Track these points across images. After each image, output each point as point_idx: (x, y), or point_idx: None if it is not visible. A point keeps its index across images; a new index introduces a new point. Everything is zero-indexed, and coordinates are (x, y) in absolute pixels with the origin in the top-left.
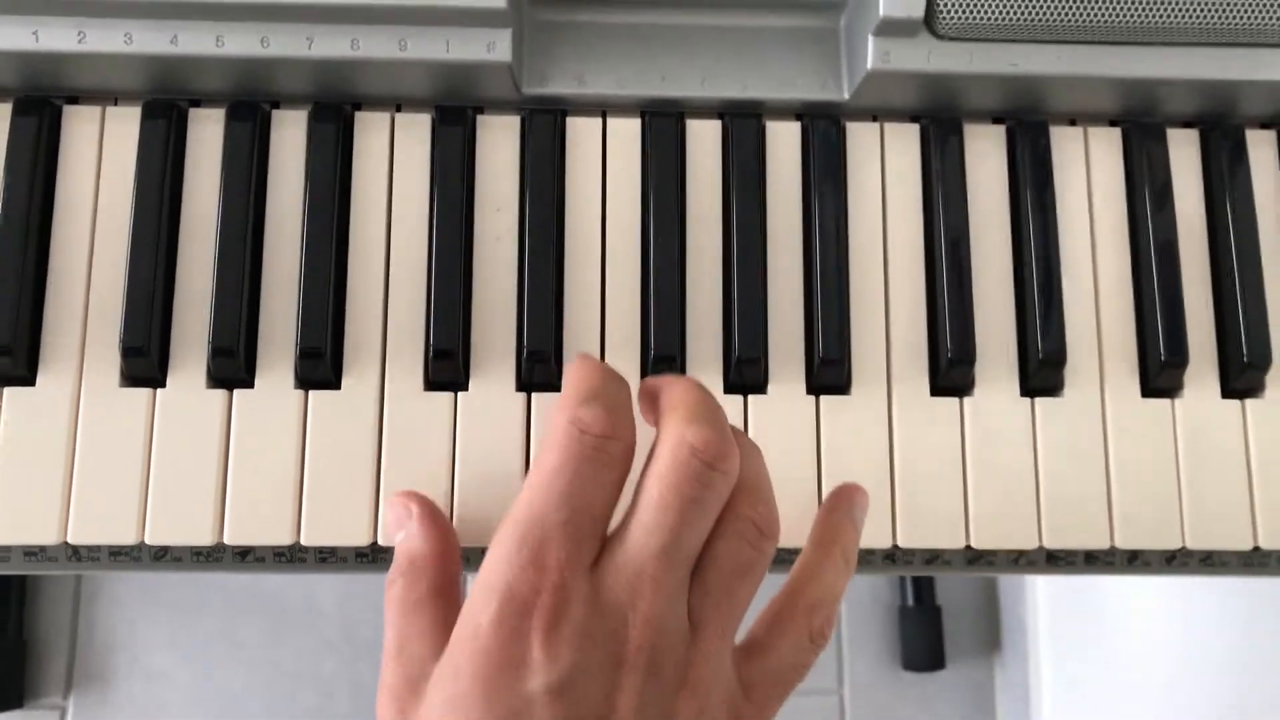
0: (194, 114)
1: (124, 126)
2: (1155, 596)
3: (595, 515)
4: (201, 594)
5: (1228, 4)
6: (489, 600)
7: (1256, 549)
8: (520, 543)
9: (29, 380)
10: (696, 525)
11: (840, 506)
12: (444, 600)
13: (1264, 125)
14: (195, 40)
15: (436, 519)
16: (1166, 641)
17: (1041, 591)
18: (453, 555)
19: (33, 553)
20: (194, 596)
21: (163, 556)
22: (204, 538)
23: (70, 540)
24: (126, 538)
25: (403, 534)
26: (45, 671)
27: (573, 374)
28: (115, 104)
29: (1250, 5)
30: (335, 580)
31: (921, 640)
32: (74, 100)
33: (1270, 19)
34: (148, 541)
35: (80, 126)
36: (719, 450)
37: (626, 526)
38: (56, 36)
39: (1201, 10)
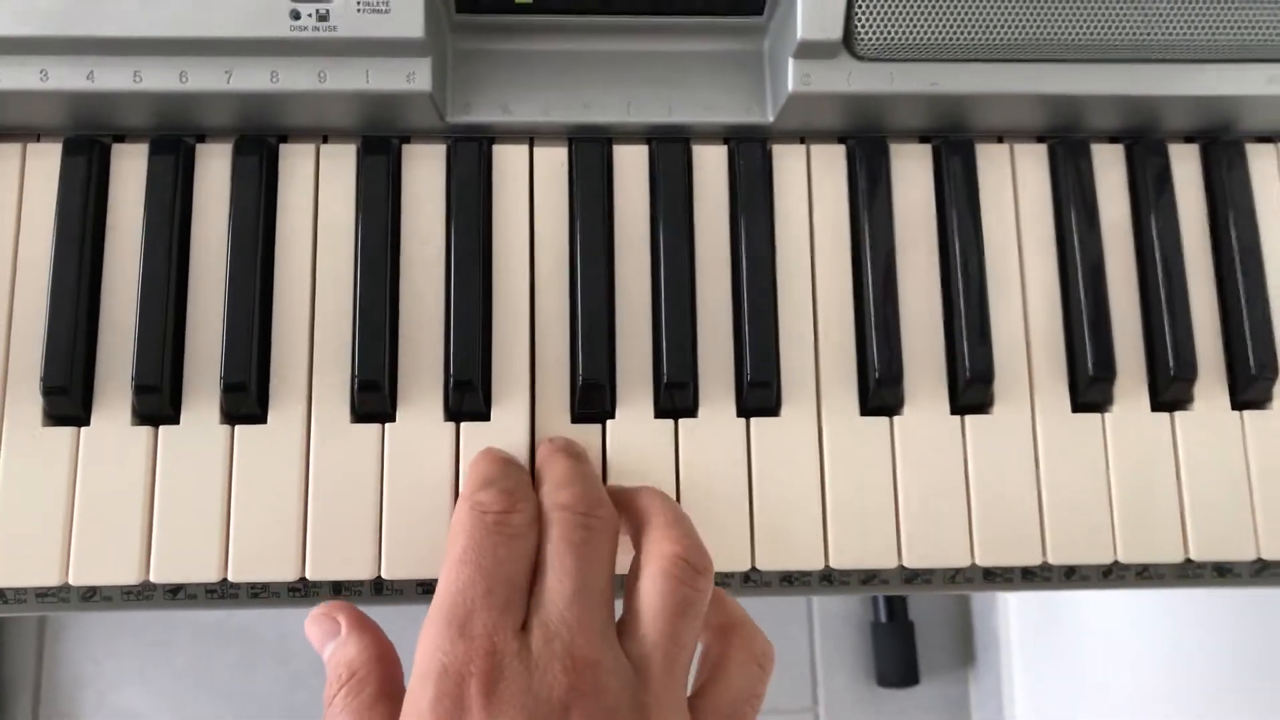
0: (116, 149)
1: (46, 163)
2: (1127, 610)
3: (513, 582)
4: (171, 629)
5: (1143, 21)
6: (425, 684)
7: (1189, 561)
8: (446, 623)
9: None
10: (594, 562)
11: None
12: (390, 704)
13: (1187, 139)
14: (112, 76)
15: (368, 626)
16: (1138, 655)
17: (1014, 606)
18: (392, 658)
19: None
20: (163, 631)
21: (91, 596)
22: (129, 577)
23: None
24: (50, 579)
25: (332, 645)
26: (11, 710)
27: (471, 466)
28: (38, 140)
29: (1166, 22)
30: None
31: (895, 656)
32: None
33: (1188, 35)
34: (71, 582)
35: (1, 164)
36: (585, 498)
37: (539, 589)
38: None
39: (1118, 27)
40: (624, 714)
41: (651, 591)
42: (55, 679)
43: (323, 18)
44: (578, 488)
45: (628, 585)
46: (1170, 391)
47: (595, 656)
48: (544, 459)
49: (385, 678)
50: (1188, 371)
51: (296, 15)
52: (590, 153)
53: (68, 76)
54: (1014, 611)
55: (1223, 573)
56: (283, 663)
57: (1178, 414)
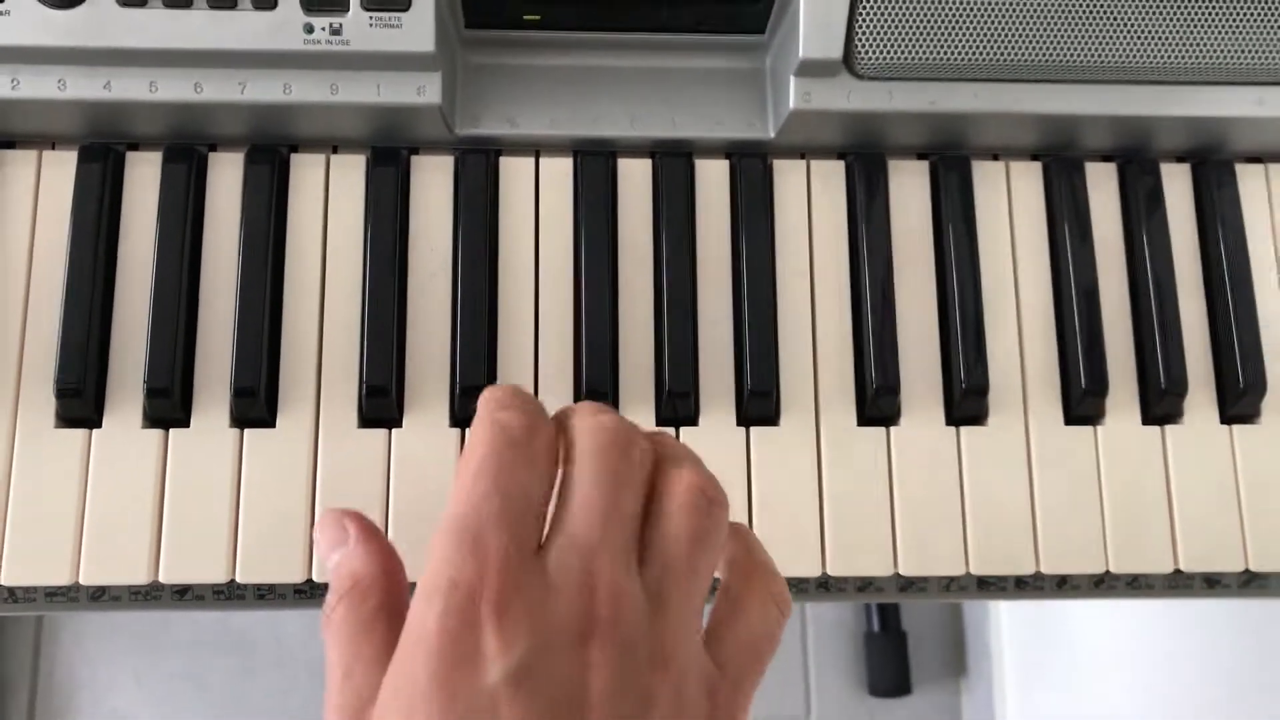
0: (130, 157)
1: (61, 170)
2: (1118, 621)
3: (530, 500)
4: (167, 632)
5: (1139, 43)
6: (432, 599)
7: (1178, 571)
8: (457, 538)
9: None
10: (628, 488)
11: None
12: (393, 621)
13: (1179, 159)
14: (129, 86)
15: (377, 536)
16: (1129, 665)
17: (1006, 616)
18: (399, 573)
19: None
20: (160, 635)
21: (100, 596)
22: (139, 577)
23: (4, 582)
24: (61, 578)
25: (338, 555)
26: (6, 712)
27: (485, 395)
28: (53, 148)
29: (1158, 45)
30: (302, 617)
31: (888, 666)
32: (10, 145)
33: (1180, 58)
34: (82, 582)
35: (17, 170)
36: (625, 425)
37: (562, 510)
38: None
39: (1114, 49)
40: (641, 643)
41: (670, 522)
42: (51, 681)
43: (336, 31)
44: (613, 416)
45: (645, 517)
46: (1161, 406)
47: (617, 583)
48: (568, 408)
49: (390, 592)
50: (1178, 386)
51: (310, 29)
52: (595, 165)
53: (85, 86)
54: (1006, 622)
55: (1212, 584)
56: (278, 667)
57: (1168, 428)
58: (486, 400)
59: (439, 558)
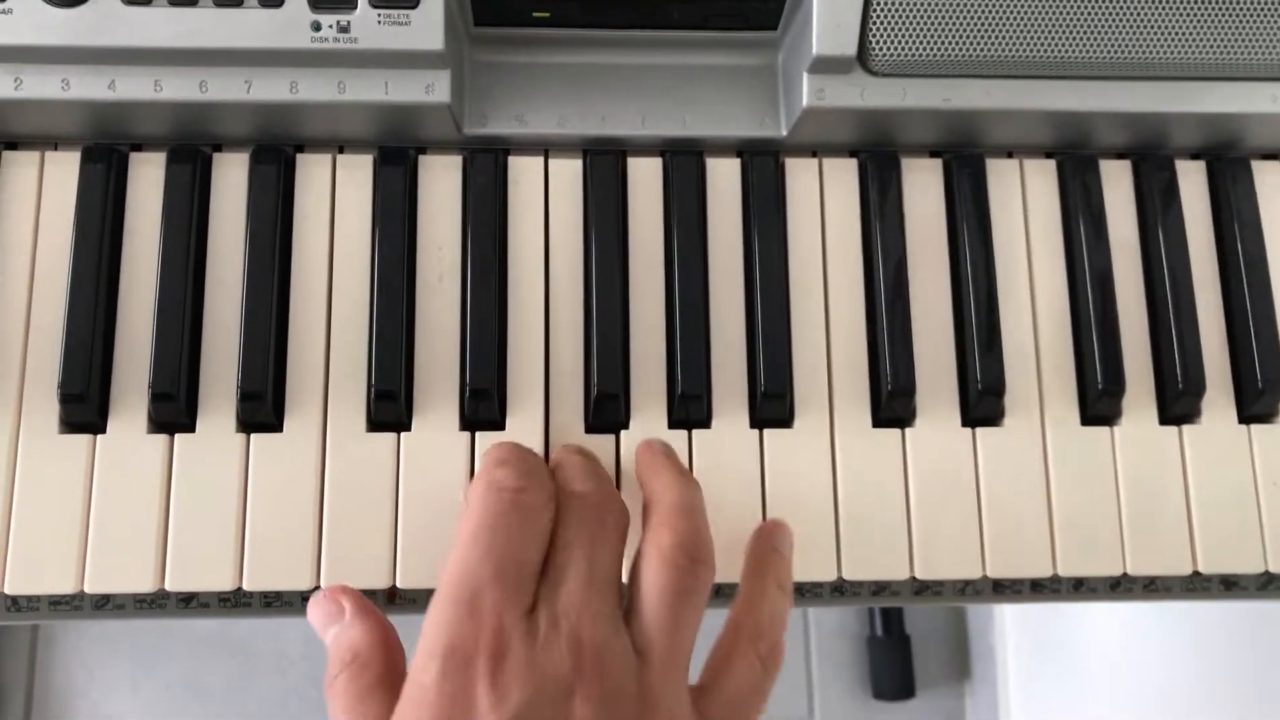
0: (134, 158)
1: (64, 171)
2: (1123, 624)
3: (524, 563)
4: (164, 640)
5: (1154, 39)
6: (430, 660)
7: (1196, 573)
8: (454, 602)
9: None
10: (606, 551)
11: (765, 540)
12: (391, 689)
13: (1194, 156)
14: (133, 85)
15: (371, 611)
16: (1134, 669)
17: (1010, 620)
18: (395, 644)
19: None
20: (157, 642)
21: (105, 605)
22: (144, 585)
23: (7, 591)
24: (65, 587)
25: (336, 629)
26: (4, 717)
27: (487, 452)
28: (55, 149)
29: (1174, 41)
30: (303, 624)
31: (891, 670)
32: (13, 145)
33: (1195, 54)
34: (87, 590)
35: (19, 171)
36: (601, 491)
37: (549, 573)
38: None
39: (1129, 45)
40: (627, 696)
41: (651, 579)
42: (48, 687)
43: (343, 29)
44: (593, 482)
45: (631, 571)
46: (1178, 405)
47: (600, 640)
48: (559, 456)
49: (388, 663)
50: (1196, 386)
51: (318, 27)
52: (605, 165)
53: (89, 86)
54: (1010, 626)
55: (1229, 586)
56: (278, 674)
57: (1186, 428)
58: (485, 458)
59: (438, 619)
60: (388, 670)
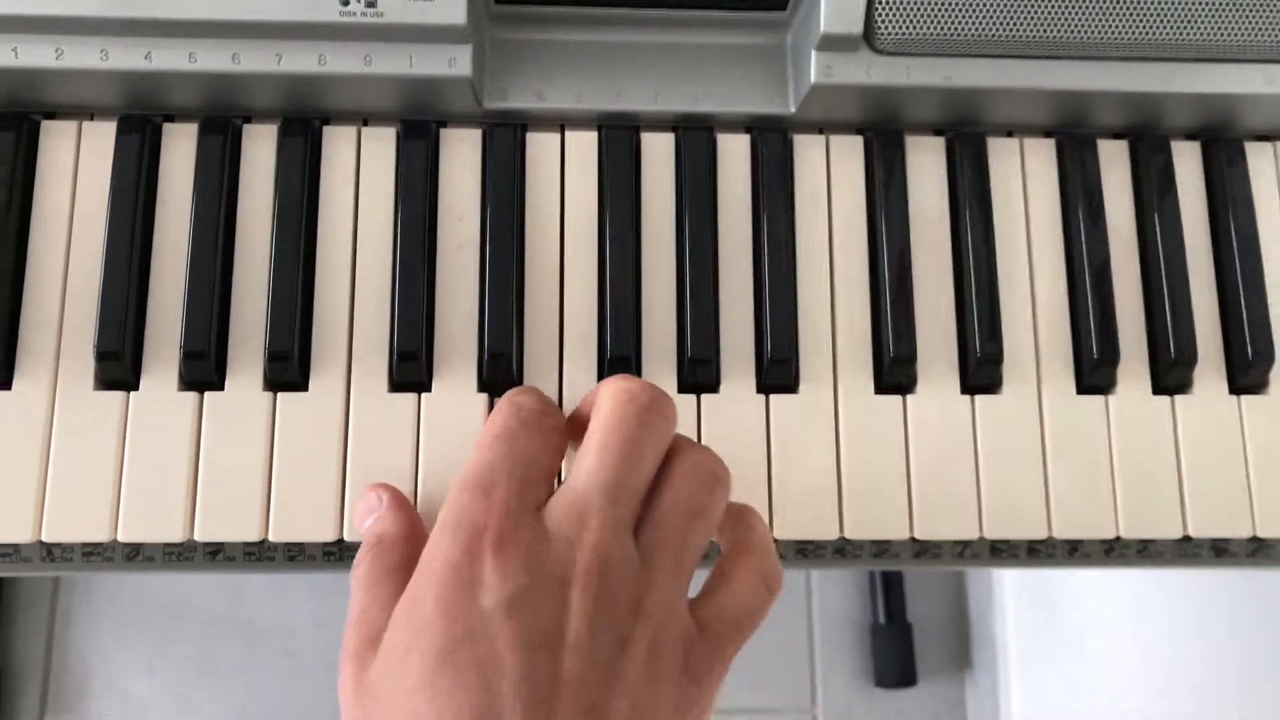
0: (168, 129)
1: (100, 141)
2: (1124, 610)
3: (539, 467)
4: (178, 620)
5: (1151, 20)
6: (443, 532)
7: (1187, 538)
8: (471, 484)
9: (5, 385)
10: (639, 465)
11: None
12: (408, 576)
13: (1189, 136)
14: (169, 56)
15: (405, 505)
16: (1136, 656)
17: (1010, 607)
18: (420, 537)
19: (6, 553)
20: (170, 622)
21: (135, 556)
22: (175, 534)
23: (44, 538)
24: (99, 535)
25: (370, 520)
26: (20, 698)
27: (505, 396)
28: (91, 119)
29: (1171, 22)
30: (311, 605)
31: (893, 657)
32: (51, 115)
33: (1190, 35)
34: (120, 539)
35: (57, 141)
36: (655, 394)
37: (574, 468)
38: (35, 53)
39: (1126, 27)
40: (621, 598)
41: (673, 492)
42: (64, 667)
43: (371, 4)
44: (646, 383)
45: (653, 481)
46: (1171, 376)
47: (606, 542)
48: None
49: (409, 554)
50: (1188, 357)
51: (346, 1)
52: (619, 140)
53: (127, 56)
54: (1011, 613)
55: (1220, 552)
56: (288, 656)
57: (1178, 398)
58: (508, 392)
59: (453, 500)
60: (408, 559)
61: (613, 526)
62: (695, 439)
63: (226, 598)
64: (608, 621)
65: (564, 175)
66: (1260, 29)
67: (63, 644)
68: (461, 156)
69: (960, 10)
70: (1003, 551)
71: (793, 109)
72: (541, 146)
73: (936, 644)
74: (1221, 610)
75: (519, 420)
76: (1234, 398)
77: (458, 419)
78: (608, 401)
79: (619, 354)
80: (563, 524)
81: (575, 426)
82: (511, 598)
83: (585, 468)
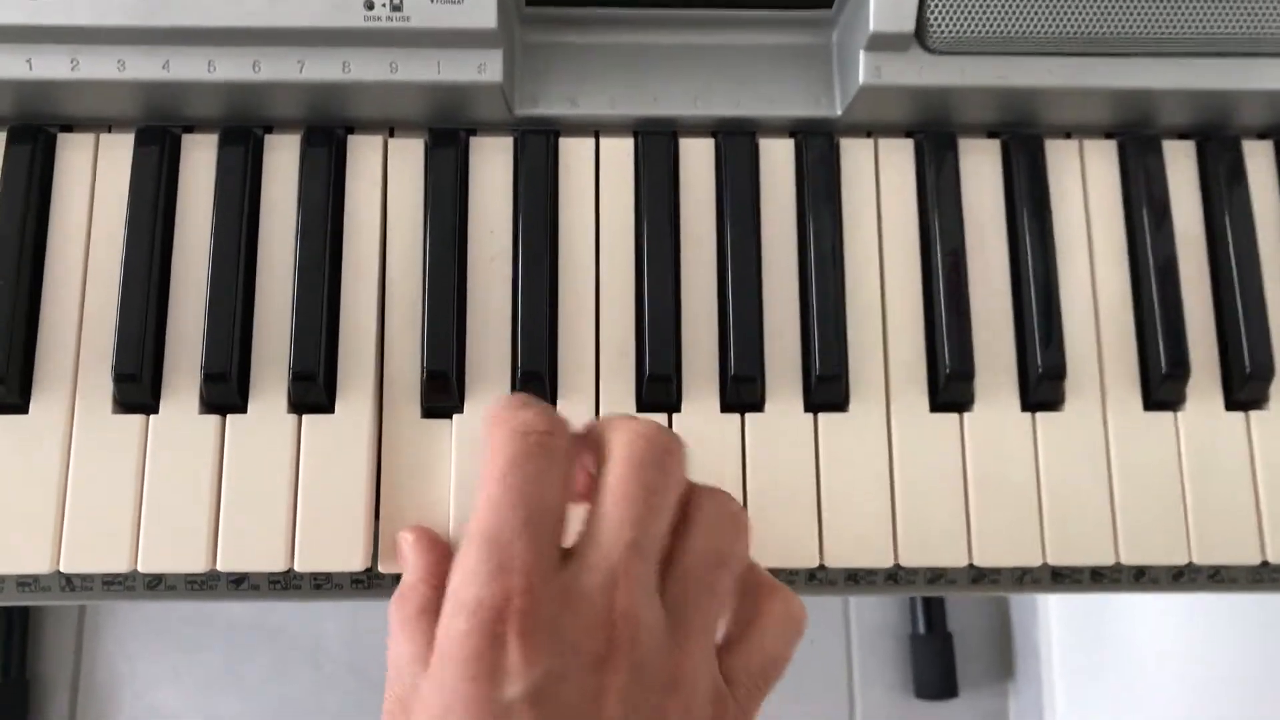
0: (187, 140)
1: (117, 153)
2: (1169, 621)
3: (552, 511)
4: (205, 630)
5: (1220, 14)
6: (459, 615)
7: (1265, 564)
8: (484, 552)
9: (22, 408)
10: (660, 514)
11: None
12: (436, 619)
13: (1261, 135)
14: (187, 66)
15: (425, 541)
16: (1181, 667)
17: (1054, 617)
18: (445, 568)
19: (26, 583)
20: (197, 632)
21: (156, 585)
22: (197, 565)
23: (63, 569)
24: (119, 566)
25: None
26: (48, 708)
27: (497, 401)
28: (109, 131)
29: (1243, 15)
30: (341, 615)
31: (934, 668)
32: (68, 128)
33: (1264, 28)
34: (140, 569)
35: (74, 154)
36: (670, 436)
37: (592, 525)
38: (50, 64)
39: (1193, 20)
40: (654, 666)
41: (696, 541)
42: (92, 677)
43: (396, 8)
44: (657, 426)
45: (673, 530)
46: (1246, 390)
47: (637, 610)
48: (615, 417)
49: (430, 593)
50: (1265, 370)
51: (370, 5)
52: (657, 145)
53: (144, 66)
54: (1055, 623)
55: None
56: (315, 667)
57: (1253, 414)
58: (499, 405)
59: (468, 570)
60: (432, 601)
61: (642, 586)
62: (739, 461)
63: (253, 606)
64: (642, 698)
65: (599, 184)
66: None
67: (91, 653)
68: (492, 166)
69: (1018, 6)
70: (1066, 577)
71: (839, 111)
72: (575, 154)
73: (978, 654)
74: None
75: (526, 452)
76: None
77: None
78: (622, 447)
79: (658, 372)
80: (590, 590)
81: (578, 454)
82: (538, 687)
83: (606, 521)
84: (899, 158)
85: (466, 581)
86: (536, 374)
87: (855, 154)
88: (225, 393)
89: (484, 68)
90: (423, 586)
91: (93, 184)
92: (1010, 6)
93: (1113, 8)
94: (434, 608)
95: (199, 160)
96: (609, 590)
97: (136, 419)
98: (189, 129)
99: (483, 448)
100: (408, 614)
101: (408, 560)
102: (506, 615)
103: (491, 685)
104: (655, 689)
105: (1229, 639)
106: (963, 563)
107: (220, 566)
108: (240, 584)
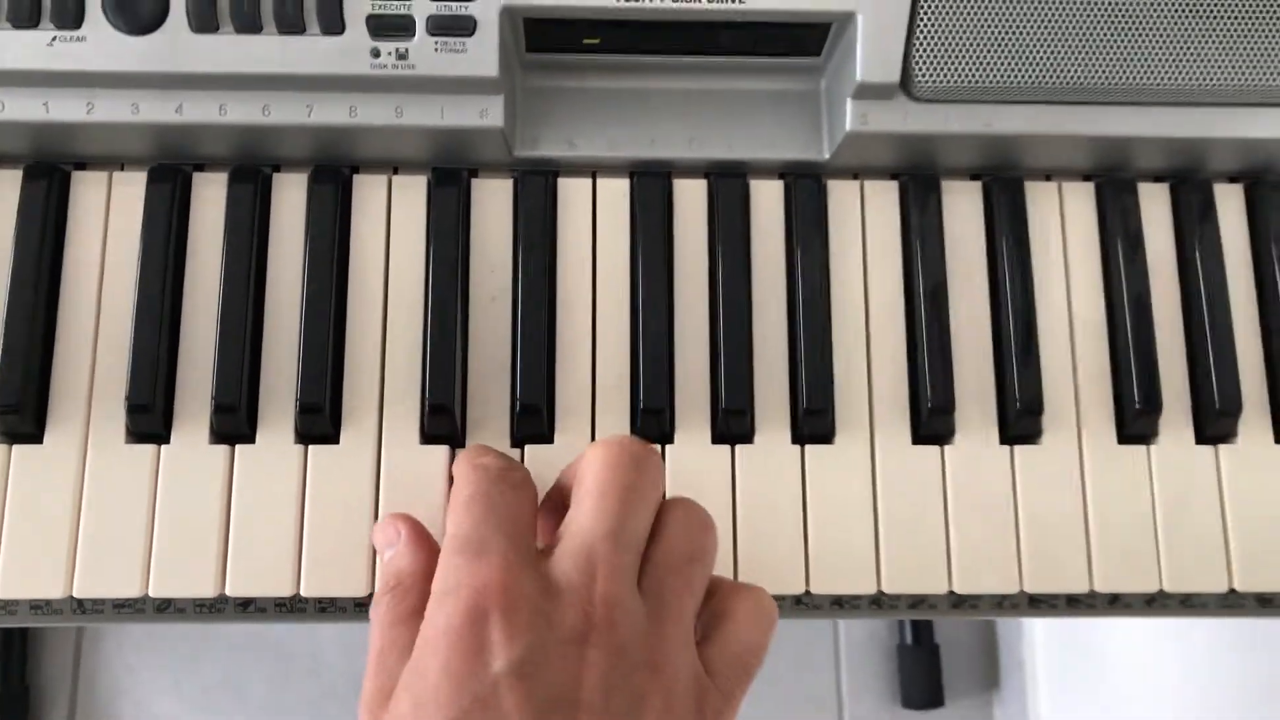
0: (198, 178)
1: (130, 191)
2: (1153, 634)
3: (523, 522)
4: (205, 641)
5: (1193, 66)
6: (443, 601)
7: (1233, 590)
8: (461, 550)
9: (37, 438)
10: (638, 510)
11: None
12: None
13: (1231, 179)
14: (199, 109)
15: (424, 539)
16: (1165, 679)
17: (1039, 630)
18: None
19: (39, 606)
20: (197, 644)
21: (166, 609)
22: (206, 590)
23: (76, 594)
24: (130, 591)
25: (390, 553)
26: (48, 716)
27: (461, 453)
28: (122, 169)
29: (1215, 68)
30: (340, 628)
31: (920, 679)
32: (82, 166)
33: (1234, 80)
34: (151, 594)
35: (88, 191)
36: (645, 446)
37: (571, 519)
38: (66, 108)
39: (1168, 72)
40: (634, 648)
41: (669, 538)
42: (91, 687)
43: (402, 56)
44: (633, 439)
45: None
46: (1215, 425)
47: (616, 594)
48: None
49: (428, 593)
50: (1233, 406)
51: (377, 53)
52: (652, 186)
53: (158, 109)
54: (1040, 635)
55: (1265, 603)
56: (314, 676)
57: (1222, 447)
58: (464, 454)
59: (448, 566)
60: (426, 600)
61: (620, 574)
62: (729, 491)
63: None
64: (623, 679)
65: (595, 223)
66: None
67: (90, 663)
68: (493, 205)
69: (1000, 57)
70: (1042, 602)
71: (827, 155)
72: (573, 194)
73: (964, 666)
74: (1259, 635)
75: (489, 479)
76: None
77: None
78: (599, 453)
79: (652, 405)
80: (570, 574)
81: (556, 496)
82: (521, 660)
83: (584, 515)
84: (884, 199)
85: (446, 574)
86: (535, 407)
87: (842, 195)
88: (234, 423)
89: (486, 113)
90: (419, 588)
91: (106, 220)
92: (992, 58)
93: (1092, 59)
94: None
95: (209, 197)
96: (588, 574)
97: (148, 448)
98: (199, 167)
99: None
100: (406, 610)
101: (405, 554)
102: (488, 594)
103: (477, 661)
104: (636, 671)
105: (1210, 652)
106: (943, 589)
107: (229, 592)
108: (247, 607)
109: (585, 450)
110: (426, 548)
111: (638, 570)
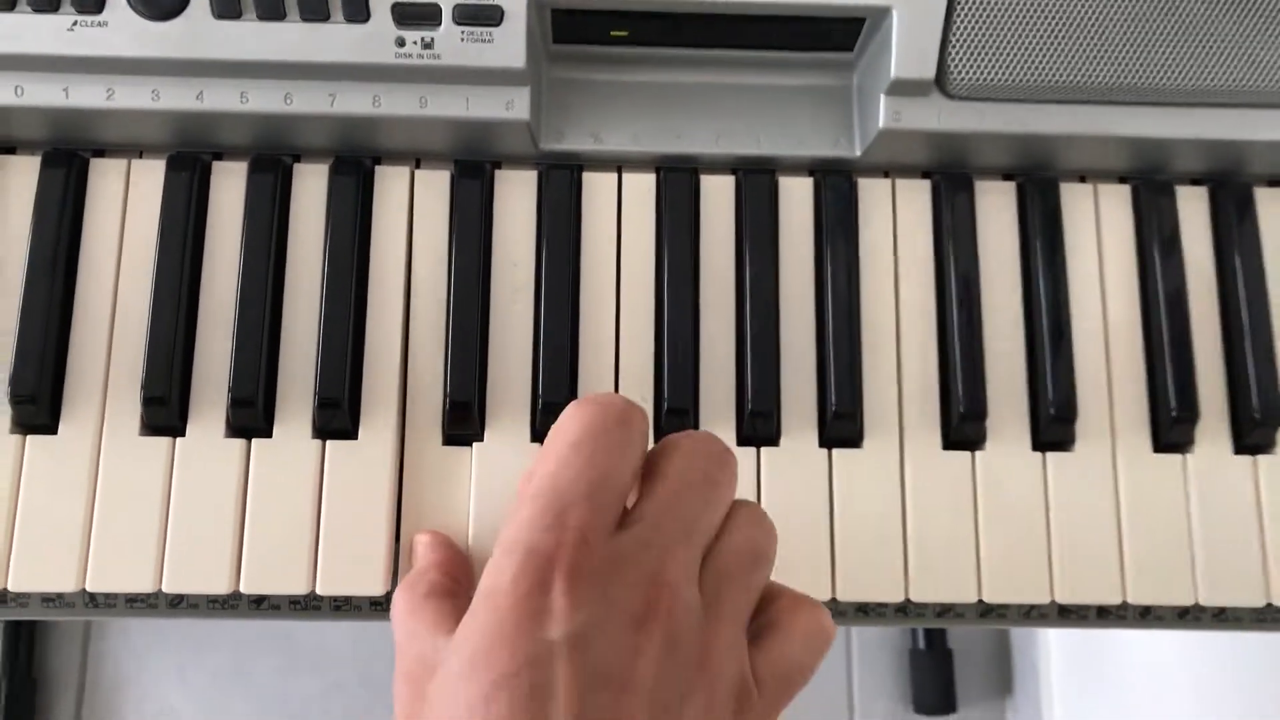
0: (217, 167)
1: (148, 178)
2: (1168, 642)
3: (618, 488)
4: (212, 631)
5: (1233, 67)
6: (510, 558)
7: (1269, 605)
8: (542, 509)
9: (51, 429)
10: (712, 507)
11: None
12: (449, 599)
13: (1271, 183)
14: (220, 97)
15: (440, 540)
16: (1179, 687)
17: (1054, 636)
18: (457, 561)
19: (51, 599)
20: (204, 633)
21: (179, 604)
22: (220, 586)
23: (88, 588)
24: (143, 586)
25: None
26: (55, 708)
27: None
28: (140, 157)
29: (1256, 68)
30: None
31: (933, 683)
32: (101, 153)
33: (1275, 81)
34: (164, 590)
35: (106, 179)
36: (727, 448)
37: (646, 503)
38: (86, 94)
39: (1207, 73)
40: (688, 642)
41: (733, 537)
42: (98, 677)
43: (427, 45)
44: (719, 440)
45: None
46: (1254, 435)
47: (680, 582)
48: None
49: (445, 578)
50: (1273, 415)
51: (402, 42)
52: (678, 182)
53: (178, 96)
54: (1054, 641)
55: None
56: (320, 671)
57: (1261, 457)
58: (588, 396)
59: (524, 519)
60: (446, 584)
61: (684, 567)
62: (755, 494)
63: None
64: (674, 670)
65: (620, 218)
66: None
67: (98, 654)
68: (516, 198)
69: (1037, 55)
70: (1073, 613)
71: (858, 152)
72: (598, 188)
73: (978, 670)
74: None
75: (603, 424)
76: None
77: (510, 470)
78: (687, 444)
79: (676, 406)
80: (638, 557)
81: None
82: (580, 633)
83: (661, 501)
84: (916, 198)
85: (522, 528)
86: (557, 405)
87: (873, 193)
88: (251, 417)
89: (512, 105)
90: (433, 572)
91: (124, 208)
92: (1030, 55)
93: (1130, 59)
94: (442, 591)
95: (229, 186)
96: (656, 561)
97: (163, 441)
98: (219, 155)
99: (558, 421)
100: (416, 599)
101: (421, 552)
102: (557, 561)
103: (535, 624)
104: (686, 664)
105: (1227, 660)
106: (972, 599)
107: (244, 589)
108: (261, 604)
109: (671, 436)
110: (441, 544)
111: (698, 568)
